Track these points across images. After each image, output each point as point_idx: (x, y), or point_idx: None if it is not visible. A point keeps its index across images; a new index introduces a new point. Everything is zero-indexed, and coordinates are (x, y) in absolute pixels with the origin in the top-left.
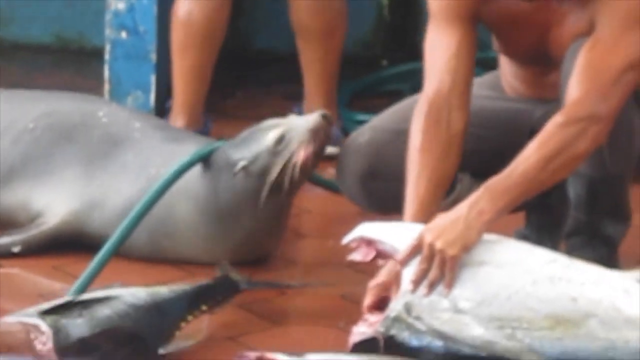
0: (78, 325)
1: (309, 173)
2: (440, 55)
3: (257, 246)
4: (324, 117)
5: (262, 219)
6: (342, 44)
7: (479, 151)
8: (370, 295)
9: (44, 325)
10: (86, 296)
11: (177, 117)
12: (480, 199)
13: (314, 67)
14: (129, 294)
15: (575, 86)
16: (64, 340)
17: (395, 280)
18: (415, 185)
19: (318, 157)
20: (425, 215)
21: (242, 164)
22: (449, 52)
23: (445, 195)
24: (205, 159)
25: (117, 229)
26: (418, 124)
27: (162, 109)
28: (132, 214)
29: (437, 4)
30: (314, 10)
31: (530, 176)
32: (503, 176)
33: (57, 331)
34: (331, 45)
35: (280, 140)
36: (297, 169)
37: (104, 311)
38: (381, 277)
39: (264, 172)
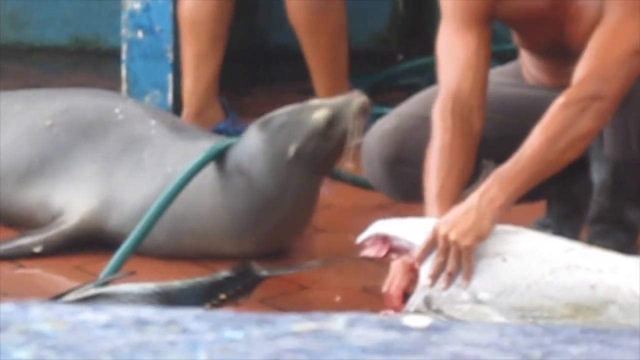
0: None
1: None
2: (459, 54)
3: (287, 235)
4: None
5: (300, 204)
6: (336, 39)
7: (503, 138)
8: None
9: None
10: (93, 291)
11: (187, 105)
12: (490, 187)
13: (312, 64)
14: (137, 287)
15: (579, 70)
16: None
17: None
18: (445, 181)
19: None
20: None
21: (294, 147)
22: (468, 52)
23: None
24: (220, 155)
25: (135, 227)
26: (444, 121)
27: (179, 108)
28: (150, 211)
29: (452, 5)
30: (299, 9)
31: (537, 159)
32: (511, 162)
33: None
34: (321, 42)
35: (332, 122)
36: (351, 148)
37: (108, 303)
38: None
39: (316, 154)
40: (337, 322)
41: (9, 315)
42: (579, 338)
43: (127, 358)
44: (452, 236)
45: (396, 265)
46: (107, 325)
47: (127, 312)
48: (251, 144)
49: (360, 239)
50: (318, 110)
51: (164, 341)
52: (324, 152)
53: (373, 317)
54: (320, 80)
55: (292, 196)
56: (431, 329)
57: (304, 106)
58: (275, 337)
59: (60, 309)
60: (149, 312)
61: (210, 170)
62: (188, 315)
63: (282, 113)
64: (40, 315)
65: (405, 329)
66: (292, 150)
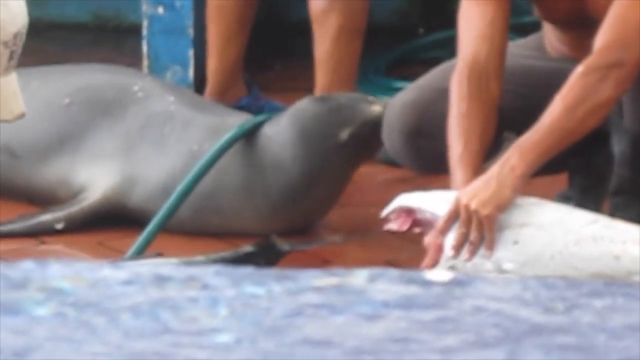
0: None
1: None
2: (476, 23)
3: (317, 214)
4: None
5: (337, 186)
6: (346, 36)
7: (525, 110)
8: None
9: None
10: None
11: (211, 83)
12: (510, 157)
13: (316, 58)
14: (161, 262)
15: (599, 38)
16: None
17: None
18: (466, 149)
19: None
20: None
21: (348, 131)
22: (484, 21)
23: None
24: (250, 133)
25: (164, 205)
26: (461, 90)
27: (201, 84)
28: (178, 189)
29: None
30: None
31: (557, 127)
32: (531, 131)
33: None
34: (327, 34)
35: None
36: None
37: None
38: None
39: (364, 143)
40: (359, 277)
41: (28, 272)
42: (602, 291)
43: (147, 314)
44: (473, 206)
45: (429, 241)
46: (127, 282)
47: (146, 269)
48: (302, 119)
49: (384, 212)
50: (375, 104)
51: (185, 297)
52: (371, 142)
53: (394, 272)
54: (320, 77)
55: (332, 178)
56: (453, 283)
57: (362, 96)
58: (297, 292)
59: (80, 266)
60: (169, 269)
61: (242, 147)
62: (208, 272)
63: (339, 95)
64: (59, 273)
65: (427, 283)
66: (345, 133)
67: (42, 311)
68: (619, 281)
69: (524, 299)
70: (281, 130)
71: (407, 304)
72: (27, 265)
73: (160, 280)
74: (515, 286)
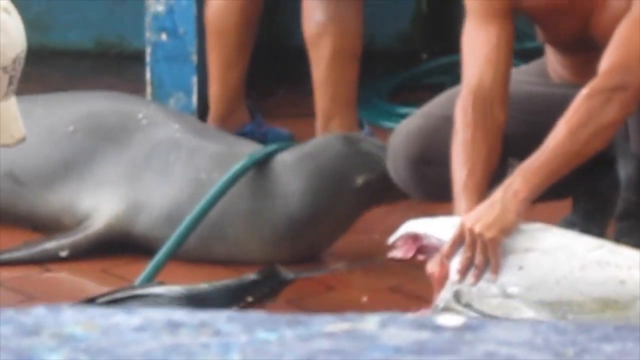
0: None
1: None
2: (480, 49)
3: (323, 246)
4: None
5: (345, 223)
6: (341, 59)
7: (529, 136)
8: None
9: None
10: (120, 294)
11: (213, 109)
12: (514, 180)
13: (314, 84)
14: (165, 289)
15: (604, 62)
16: None
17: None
18: (470, 176)
19: None
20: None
21: (363, 178)
22: (488, 46)
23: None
24: (261, 163)
25: (171, 233)
26: (465, 116)
27: (204, 110)
28: (189, 217)
29: (475, 0)
30: (308, 20)
31: (561, 150)
32: (535, 155)
33: None
34: (322, 58)
35: None
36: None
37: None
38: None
39: (378, 193)
40: (370, 322)
41: (40, 318)
42: (612, 336)
43: None
44: (477, 229)
45: (432, 267)
46: (140, 328)
47: (159, 314)
48: (321, 155)
49: (391, 239)
50: None
51: (197, 343)
52: (386, 193)
53: (406, 317)
54: (319, 102)
55: (339, 217)
56: (464, 327)
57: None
58: (309, 338)
59: (92, 312)
60: (181, 315)
61: (250, 176)
62: (220, 317)
63: (367, 140)
64: (72, 319)
65: (438, 328)
66: (361, 179)
67: (54, 357)
68: (627, 320)
69: (534, 344)
70: (298, 162)
71: (418, 349)
72: (39, 311)
73: (173, 326)
74: (526, 330)
